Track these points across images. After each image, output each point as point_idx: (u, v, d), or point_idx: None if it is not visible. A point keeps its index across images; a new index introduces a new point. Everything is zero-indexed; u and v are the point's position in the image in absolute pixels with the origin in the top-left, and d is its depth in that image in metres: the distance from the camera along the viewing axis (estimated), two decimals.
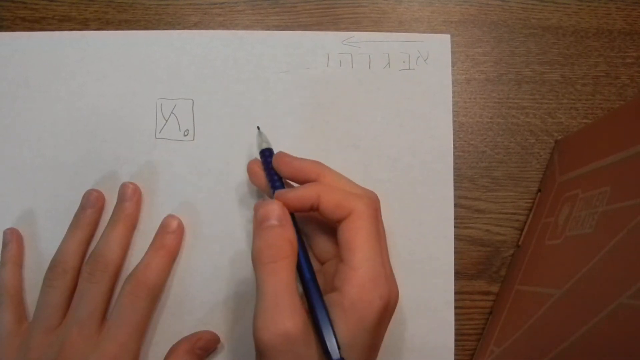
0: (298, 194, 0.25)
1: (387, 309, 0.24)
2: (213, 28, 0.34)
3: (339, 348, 0.22)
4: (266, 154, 0.28)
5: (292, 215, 0.26)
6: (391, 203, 0.32)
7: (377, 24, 0.34)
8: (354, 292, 0.23)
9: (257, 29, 0.34)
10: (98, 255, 0.29)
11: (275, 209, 0.25)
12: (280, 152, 0.28)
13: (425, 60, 0.33)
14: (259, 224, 0.25)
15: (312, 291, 0.24)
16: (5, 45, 0.33)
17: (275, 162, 0.27)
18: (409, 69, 0.33)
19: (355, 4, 0.34)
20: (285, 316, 0.22)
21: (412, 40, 0.33)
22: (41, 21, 0.34)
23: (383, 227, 0.27)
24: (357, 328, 0.23)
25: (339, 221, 0.25)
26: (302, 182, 0.27)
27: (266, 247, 0.24)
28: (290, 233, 0.24)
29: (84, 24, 0.34)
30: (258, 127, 0.30)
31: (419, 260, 0.31)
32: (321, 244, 0.28)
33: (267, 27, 0.34)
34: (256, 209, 0.25)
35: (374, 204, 0.26)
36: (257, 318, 0.23)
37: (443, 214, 0.32)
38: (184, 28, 0.34)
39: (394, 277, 0.26)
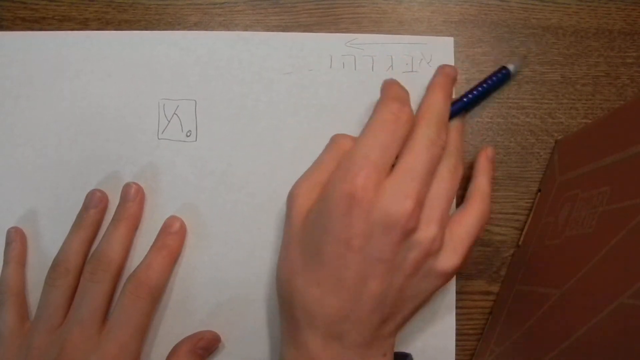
0: None
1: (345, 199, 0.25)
2: (213, 28, 0.34)
3: None
4: (503, 73, 0.32)
5: None
6: None
7: (377, 24, 0.34)
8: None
9: (257, 29, 0.34)
10: (100, 254, 0.29)
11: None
12: None
13: (428, 63, 0.33)
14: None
15: None
16: (9, 44, 0.33)
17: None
18: (412, 71, 0.33)
19: (355, 4, 0.34)
20: None
21: (415, 43, 0.33)
22: (41, 21, 0.34)
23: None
24: None
25: None
26: None
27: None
28: None
29: (84, 24, 0.34)
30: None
31: None
32: None
33: (267, 27, 0.34)
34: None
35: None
36: None
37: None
38: (184, 28, 0.34)
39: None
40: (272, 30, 0.34)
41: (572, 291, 0.25)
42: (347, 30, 0.34)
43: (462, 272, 0.32)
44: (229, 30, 0.34)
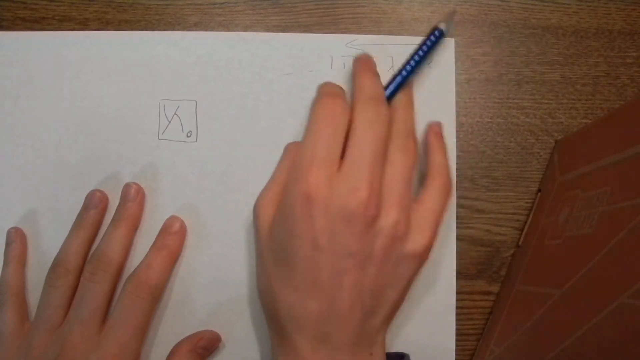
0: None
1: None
2: (213, 28, 0.34)
3: None
4: (436, 35, 0.30)
5: None
6: None
7: (377, 24, 0.34)
8: None
9: (257, 29, 0.34)
10: (100, 254, 0.29)
11: None
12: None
13: (429, 64, 0.33)
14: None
15: None
16: (9, 44, 0.33)
17: None
18: None
19: (355, 4, 0.34)
20: None
21: (416, 44, 0.33)
22: (41, 21, 0.34)
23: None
24: None
25: None
26: None
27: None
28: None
29: (84, 24, 0.34)
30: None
31: None
32: None
33: (267, 27, 0.34)
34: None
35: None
36: None
37: (446, 218, 0.32)
38: (184, 28, 0.34)
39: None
40: (272, 31, 0.34)
41: (572, 291, 0.25)
42: (347, 30, 0.34)
43: (462, 272, 0.32)
44: (229, 30, 0.34)
